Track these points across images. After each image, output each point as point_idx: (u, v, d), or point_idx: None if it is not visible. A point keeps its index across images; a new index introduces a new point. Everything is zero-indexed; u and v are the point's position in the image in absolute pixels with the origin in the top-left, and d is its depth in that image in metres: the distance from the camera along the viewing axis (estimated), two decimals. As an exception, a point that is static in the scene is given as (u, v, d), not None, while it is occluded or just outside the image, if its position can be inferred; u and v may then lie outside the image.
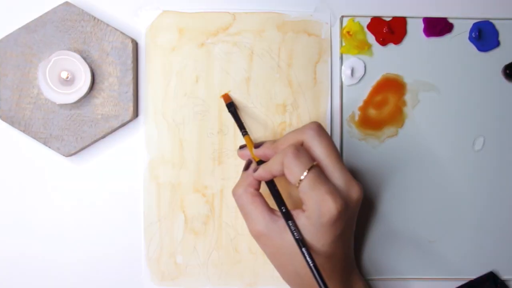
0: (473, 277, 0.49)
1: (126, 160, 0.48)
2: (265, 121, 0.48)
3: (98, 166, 0.48)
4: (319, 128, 0.41)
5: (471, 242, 0.49)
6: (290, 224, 0.39)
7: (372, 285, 0.49)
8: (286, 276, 0.42)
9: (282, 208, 0.40)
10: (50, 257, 0.48)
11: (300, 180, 0.38)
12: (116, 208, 0.48)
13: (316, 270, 0.37)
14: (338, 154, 0.41)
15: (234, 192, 0.42)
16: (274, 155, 0.41)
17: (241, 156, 0.45)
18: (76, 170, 0.48)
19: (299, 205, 0.41)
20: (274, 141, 0.42)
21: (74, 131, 0.46)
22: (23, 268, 0.48)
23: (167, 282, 0.48)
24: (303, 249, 0.38)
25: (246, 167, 0.43)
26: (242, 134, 0.45)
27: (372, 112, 0.48)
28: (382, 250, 0.49)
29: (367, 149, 0.48)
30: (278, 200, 0.41)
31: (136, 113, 0.47)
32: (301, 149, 0.40)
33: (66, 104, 0.45)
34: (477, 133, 0.49)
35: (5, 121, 0.45)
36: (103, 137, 0.47)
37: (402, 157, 0.49)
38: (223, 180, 0.48)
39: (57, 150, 0.46)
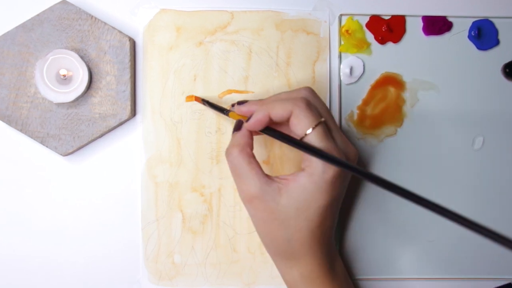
0: (473, 276, 0.49)
1: (123, 159, 0.47)
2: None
3: (96, 165, 0.47)
4: (313, 91, 0.41)
5: (470, 242, 0.49)
6: (312, 147, 0.37)
7: (371, 285, 0.49)
8: (273, 244, 0.41)
9: (295, 141, 0.38)
10: (47, 257, 0.48)
11: (306, 134, 0.38)
12: (114, 207, 0.48)
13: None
14: (333, 117, 0.41)
15: (229, 152, 0.40)
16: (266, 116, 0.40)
17: (241, 112, 0.42)
18: (73, 170, 0.47)
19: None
20: (260, 100, 0.41)
21: (72, 130, 0.46)
22: (20, 267, 0.48)
23: (165, 281, 0.48)
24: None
25: (237, 128, 0.41)
26: (226, 114, 0.43)
27: (371, 111, 0.48)
28: (382, 250, 0.49)
29: (366, 149, 0.48)
30: (287, 137, 0.38)
31: (133, 112, 0.47)
32: (312, 103, 0.39)
33: (63, 103, 0.45)
34: (476, 132, 0.49)
35: (2, 120, 0.45)
36: (101, 136, 0.47)
37: (401, 156, 0.48)
38: (221, 179, 0.48)
39: (55, 149, 0.46)
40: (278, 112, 0.39)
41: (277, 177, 0.40)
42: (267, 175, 0.40)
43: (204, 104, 0.46)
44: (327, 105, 0.48)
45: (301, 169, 0.39)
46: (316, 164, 0.38)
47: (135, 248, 0.48)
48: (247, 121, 0.40)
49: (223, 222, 0.48)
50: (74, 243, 0.48)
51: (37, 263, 0.48)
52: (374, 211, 0.49)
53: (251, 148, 0.40)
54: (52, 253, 0.48)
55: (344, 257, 0.49)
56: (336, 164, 0.37)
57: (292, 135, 0.39)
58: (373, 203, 0.49)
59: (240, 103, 0.42)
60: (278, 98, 0.40)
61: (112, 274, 0.48)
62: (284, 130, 0.40)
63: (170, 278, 0.48)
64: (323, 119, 0.39)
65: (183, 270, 0.48)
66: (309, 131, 0.38)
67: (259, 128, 0.40)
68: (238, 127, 0.41)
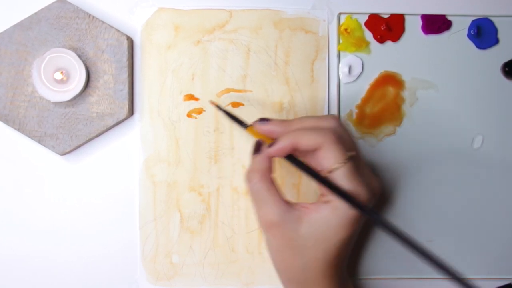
0: (472, 276, 0.49)
1: (121, 159, 0.47)
2: (262, 119, 0.47)
3: (93, 164, 0.47)
4: (341, 122, 0.40)
5: (470, 241, 0.49)
6: (334, 184, 0.37)
7: (371, 285, 0.49)
8: (287, 271, 0.40)
9: (317, 176, 0.37)
10: (44, 257, 0.47)
11: (334, 168, 0.37)
12: (112, 207, 0.47)
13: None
14: (359, 149, 0.40)
15: (249, 178, 0.39)
16: (282, 134, 0.38)
17: (261, 131, 0.40)
18: (71, 169, 0.47)
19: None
20: (283, 120, 0.40)
21: (69, 129, 0.45)
22: (17, 267, 0.47)
23: (162, 281, 0.47)
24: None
25: (257, 150, 0.40)
26: (244, 127, 0.41)
27: (370, 110, 0.48)
28: (381, 250, 0.48)
29: (365, 148, 0.48)
30: (310, 170, 0.37)
31: (131, 111, 0.47)
32: (343, 135, 0.38)
33: (60, 102, 0.45)
34: (476, 131, 0.48)
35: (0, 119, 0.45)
36: (98, 135, 0.46)
37: (400, 155, 0.48)
38: (220, 179, 0.47)
39: (52, 148, 0.45)
40: (305, 143, 0.37)
41: (298, 203, 0.39)
42: (287, 202, 0.39)
43: (219, 110, 0.44)
44: (326, 104, 0.47)
45: (324, 200, 0.38)
46: (341, 200, 0.37)
47: (133, 248, 0.47)
48: (270, 145, 0.38)
49: (222, 222, 0.48)
50: (72, 243, 0.47)
51: (34, 263, 0.47)
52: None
53: (272, 173, 0.39)
54: (49, 253, 0.47)
55: (343, 257, 0.48)
56: (359, 209, 0.36)
57: (316, 165, 0.38)
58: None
59: (262, 120, 0.40)
60: (304, 125, 0.39)
61: (109, 274, 0.48)
62: (307, 158, 0.39)
63: (168, 278, 0.48)
64: (353, 153, 0.37)
65: (181, 270, 0.48)
66: (337, 166, 0.37)
67: (281, 156, 0.38)
68: (257, 148, 0.40)
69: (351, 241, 0.40)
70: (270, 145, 0.38)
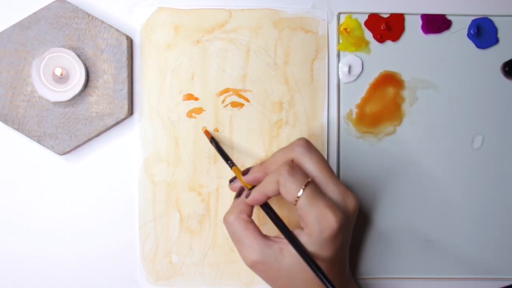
0: (473, 276, 0.49)
1: (121, 159, 0.47)
2: (262, 119, 0.47)
3: (93, 164, 0.47)
4: (307, 143, 0.41)
5: (470, 241, 0.49)
6: (298, 243, 0.38)
7: (372, 285, 0.49)
8: None
9: (284, 230, 0.39)
10: (44, 257, 0.47)
11: (297, 198, 0.38)
12: (111, 207, 0.47)
13: (327, 281, 0.37)
14: (330, 167, 0.41)
15: (225, 220, 0.41)
16: (264, 177, 0.40)
17: (233, 189, 0.44)
18: (70, 169, 0.47)
19: (294, 225, 0.40)
20: (261, 163, 0.42)
21: (68, 129, 0.45)
22: (17, 266, 0.47)
23: (162, 281, 0.47)
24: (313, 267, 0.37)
25: (238, 195, 0.42)
26: (229, 165, 0.43)
27: (370, 109, 0.48)
28: (380, 249, 0.48)
29: (365, 147, 0.48)
30: (279, 223, 0.39)
31: (131, 111, 0.47)
32: (295, 166, 0.39)
33: (60, 102, 0.45)
34: (476, 131, 0.48)
35: (-1, 119, 0.45)
36: (98, 135, 0.46)
37: (400, 155, 0.48)
38: (219, 179, 0.47)
39: (51, 148, 0.45)
40: (270, 189, 0.39)
41: (276, 236, 0.40)
42: (266, 237, 0.40)
43: (211, 143, 0.46)
44: (326, 103, 0.47)
45: (300, 227, 0.39)
46: (312, 224, 0.38)
47: (133, 248, 0.47)
48: (247, 196, 0.41)
49: (221, 222, 0.48)
50: (71, 243, 0.47)
51: (34, 263, 0.47)
52: (373, 212, 0.48)
53: (248, 214, 0.41)
54: (48, 253, 0.47)
55: (343, 257, 0.48)
56: (312, 269, 0.37)
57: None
58: (372, 204, 0.48)
59: (245, 172, 0.42)
60: (277, 161, 0.40)
61: (109, 274, 0.48)
62: None
63: (167, 278, 0.47)
64: (309, 179, 0.39)
65: (180, 270, 0.47)
66: (299, 194, 0.38)
67: (257, 204, 0.41)
68: (238, 194, 0.42)
69: (339, 255, 0.40)
70: (247, 195, 0.41)
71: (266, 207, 0.40)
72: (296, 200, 0.38)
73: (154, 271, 0.47)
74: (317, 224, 0.38)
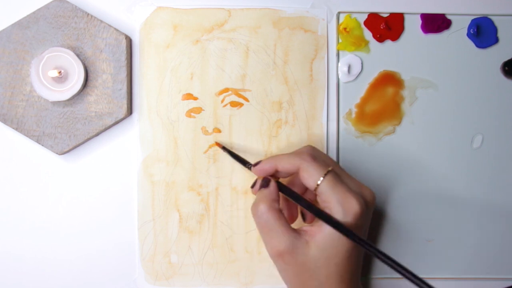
0: (472, 276, 0.49)
1: (120, 158, 0.47)
2: (261, 119, 0.47)
3: (92, 164, 0.47)
4: (315, 148, 0.43)
5: (469, 241, 0.49)
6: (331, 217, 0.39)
7: (372, 284, 0.49)
8: None
9: (310, 205, 0.40)
10: (43, 256, 0.47)
11: (318, 184, 0.39)
12: (110, 206, 0.47)
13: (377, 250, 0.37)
14: (340, 166, 0.42)
15: (257, 209, 0.40)
16: (272, 171, 0.41)
17: (259, 172, 0.43)
18: (69, 168, 0.47)
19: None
20: (273, 157, 0.42)
21: (67, 128, 0.45)
22: (16, 266, 0.47)
23: (161, 281, 0.47)
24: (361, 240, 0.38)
25: (265, 185, 0.42)
26: (248, 168, 0.44)
27: (369, 109, 0.48)
28: (380, 249, 0.48)
29: (364, 147, 0.48)
30: (301, 200, 0.40)
31: (130, 111, 0.47)
32: (319, 155, 0.41)
33: (59, 102, 0.45)
34: (475, 131, 0.48)
35: (-3, 119, 0.45)
36: (97, 134, 0.46)
37: (399, 154, 0.48)
38: (218, 179, 0.47)
39: (50, 148, 0.45)
40: (285, 166, 0.41)
41: (301, 229, 0.40)
42: (294, 229, 0.40)
43: (224, 151, 0.46)
44: (325, 103, 0.47)
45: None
46: (335, 209, 0.39)
47: (132, 248, 0.47)
48: (255, 165, 0.42)
49: (220, 222, 0.47)
50: (70, 243, 0.47)
51: (33, 262, 0.47)
52: (373, 212, 0.48)
53: (279, 203, 0.41)
54: (47, 253, 0.47)
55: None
56: (340, 230, 0.38)
57: (304, 187, 0.41)
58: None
59: (256, 164, 0.43)
60: (286, 159, 0.42)
61: (108, 273, 0.47)
62: (296, 183, 0.43)
63: (166, 278, 0.47)
64: (330, 168, 0.40)
65: (179, 270, 0.47)
66: (320, 181, 0.39)
67: (262, 175, 0.42)
68: (266, 184, 0.42)
69: (356, 251, 0.40)
70: (255, 165, 0.42)
71: (285, 190, 0.41)
72: (317, 185, 0.39)
73: (153, 271, 0.47)
74: (340, 207, 0.39)
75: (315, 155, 0.41)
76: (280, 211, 0.41)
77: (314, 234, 0.39)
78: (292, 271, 0.40)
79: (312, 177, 0.39)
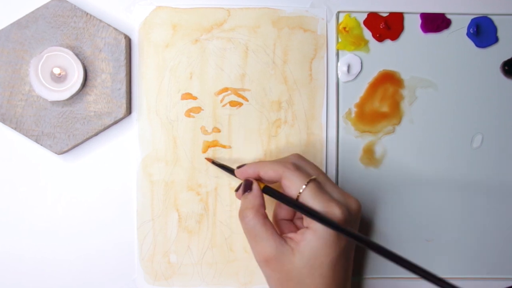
0: (472, 276, 0.49)
1: (119, 158, 0.47)
2: (260, 118, 0.47)
3: (91, 164, 0.47)
4: (301, 156, 0.43)
5: (469, 241, 0.49)
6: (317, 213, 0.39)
7: (371, 285, 0.49)
8: None
9: (297, 204, 0.39)
10: (42, 256, 0.47)
11: (300, 192, 0.39)
12: (109, 206, 0.47)
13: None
14: (326, 175, 0.42)
15: (244, 215, 0.41)
16: (255, 175, 0.42)
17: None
18: (68, 168, 0.47)
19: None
20: (256, 163, 0.42)
21: (66, 128, 0.45)
22: (14, 266, 0.47)
23: (160, 281, 0.47)
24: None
25: (248, 188, 0.42)
26: (233, 174, 0.44)
27: (369, 109, 0.48)
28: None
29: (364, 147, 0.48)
30: (287, 199, 0.40)
31: (129, 110, 0.47)
32: (300, 165, 0.41)
33: (58, 101, 0.45)
34: (475, 131, 0.48)
35: (-4, 118, 0.45)
36: (96, 134, 0.46)
37: (399, 154, 0.48)
38: (217, 178, 0.47)
39: (49, 147, 0.45)
40: (267, 172, 0.41)
41: (286, 236, 0.40)
42: (281, 236, 0.40)
43: (214, 164, 0.46)
44: (325, 103, 0.47)
45: (305, 227, 0.40)
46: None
47: (131, 248, 0.47)
48: (238, 167, 0.43)
49: (220, 222, 0.47)
50: (69, 242, 0.47)
51: (31, 262, 0.47)
52: (372, 211, 0.48)
53: (264, 208, 0.41)
54: (46, 253, 0.47)
55: (342, 257, 0.48)
56: (327, 225, 0.38)
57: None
58: (371, 204, 0.48)
59: (240, 167, 0.43)
60: (269, 165, 0.42)
61: (107, 273, 0.47)
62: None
63: (166, 277, 0.47)
64: (313, 177, 0.40)
65: (179, 270, 0.47)
66: (302, 189, 0.39)
67: (243, 178, 0.42)
68: (248, 187, 0.42)
69: (345, 258, 0.40)
70: (238, 167, 0.43)
71: (268, 191, 0.41)
72: (299, 194, 0.39)
73: (152, 271, 0.47)
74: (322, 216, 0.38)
75: (299, 164, 0.41)
76: (266, 216, 0.41)
77: (299, 242, 0.39)
78: (278, 279, 0.40)
79: (294, 186, 0.39)
